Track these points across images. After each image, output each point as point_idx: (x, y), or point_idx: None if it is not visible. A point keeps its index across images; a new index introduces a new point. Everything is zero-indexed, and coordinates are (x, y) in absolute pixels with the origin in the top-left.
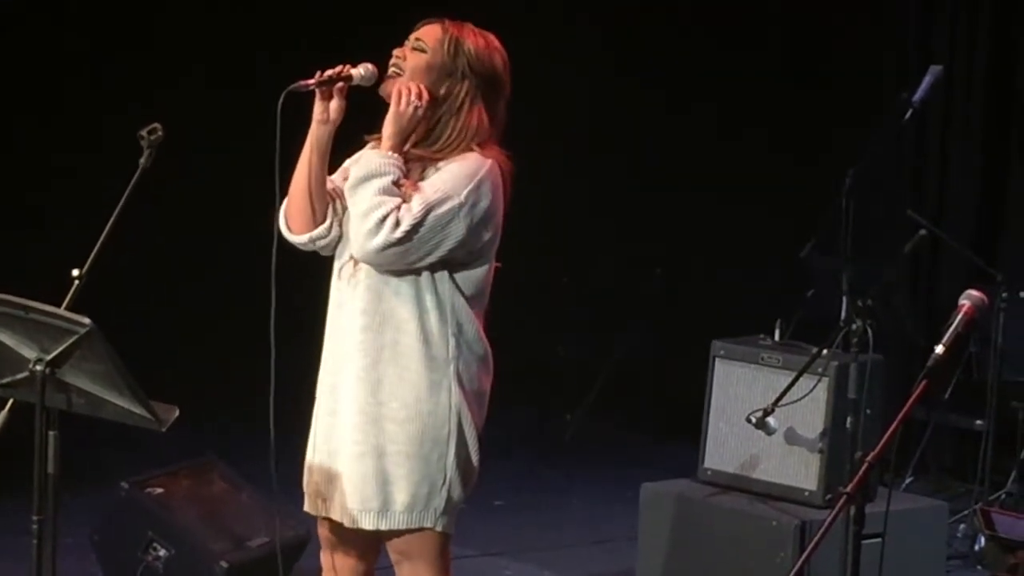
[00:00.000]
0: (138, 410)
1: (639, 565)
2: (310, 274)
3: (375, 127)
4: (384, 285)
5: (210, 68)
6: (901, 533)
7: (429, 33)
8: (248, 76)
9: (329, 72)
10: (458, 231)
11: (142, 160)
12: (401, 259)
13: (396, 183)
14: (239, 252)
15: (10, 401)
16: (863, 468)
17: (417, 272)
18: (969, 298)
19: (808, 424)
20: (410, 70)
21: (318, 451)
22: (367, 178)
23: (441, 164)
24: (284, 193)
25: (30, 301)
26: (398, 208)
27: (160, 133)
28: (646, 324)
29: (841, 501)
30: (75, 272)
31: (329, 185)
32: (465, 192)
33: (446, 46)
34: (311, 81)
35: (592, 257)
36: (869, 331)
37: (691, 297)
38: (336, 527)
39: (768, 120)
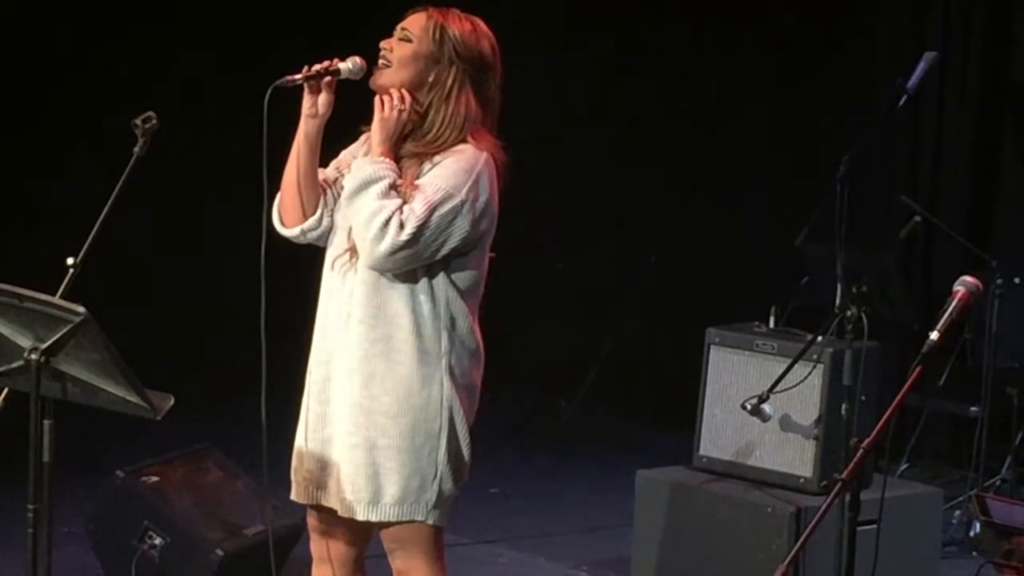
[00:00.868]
0: (133, 398)
1: (634, 552)
2: (302, 264)
3: (367, 118)
4: (378, 278)
5: (207, 62)
6: (896, 520)
7: (414, 22)
8: (247, 67)
9: (316, 67)
10: (462, 228)
11: (136, 148)
12: (411, 261)
13: (393, 186)
14: (235, 240)
15: (4, 390)
16: (858, 455)
17: (412, 267)
18: (964, 284)
19: (803, 411)
20: (397, 60)
21: (310, 440)
22: (363, 186)
23: (437, 159)
24: (272, 187)
25: (25, 290)
26: (400, 210)
27: (155, 121)
28: (641, 311)
29: (836, 488)
30: (70, 261)
31: (320, 176)
32: (465, 189)
33: (431, 33)
34: (298, 76)
35: (586, 244)
36: (864, 318)
37: (686, 284)
38: (327, 515)
39: (763, 108)
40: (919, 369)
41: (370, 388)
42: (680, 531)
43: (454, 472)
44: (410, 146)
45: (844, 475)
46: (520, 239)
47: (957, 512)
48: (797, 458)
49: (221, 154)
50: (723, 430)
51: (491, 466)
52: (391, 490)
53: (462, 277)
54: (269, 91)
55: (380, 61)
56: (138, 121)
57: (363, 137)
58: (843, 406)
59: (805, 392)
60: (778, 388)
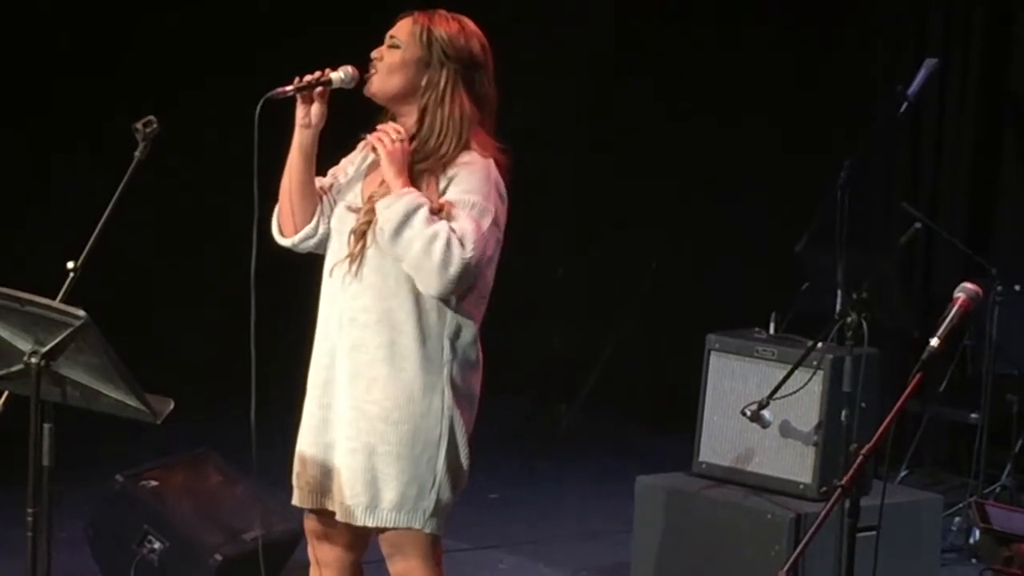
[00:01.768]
0: (133, 403)
1: (633, 558)
2: (303, 268)
3: (365, 126)
4: (383, 283)
5: (206, 67)
6: (896, 526)
7: (401, 28)
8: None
9: (308, 77)
10: (497, 236)
11: (137, 152)
12: (473, 278)
13: (432, 211)
14: (236, 245)
15: (4, 394)
16: (858, 461)
17: None
18: (964, 291)
19: (803, 417)
20: (387, 68)
21: (313, 445)
22: (405, 219)
23: (450, 173)
24: (272, 199)
25: (25, 293)
26: (451, 230)
27: (155, 126)
28: (641, 317)
29: (836, 494)
30: (70, 264)
31: (317, 184)
32: (492, 199)
33: (419, 37)
34: (289, 88)
35: (587, 250)
36: (864, 324)
37: (686, 290)
38: (325, 520)
39: (764, 114)
40: (919, 376)
41: (371, 393)
42: (679, 537)
43: (452, 481)
44: (419, 165)
45: (844, 481)
46: (520, 243)
47: (957, 519)
48: (797, 464)
49: (221, 156)
50: (723, 436)
51: (491, 471)
52: (389, 496)
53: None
54: (260, 103)
55: (372, 70)
56: (139, 125)
57: (361, 144)
58: (843, 412)
59: (805, 398)
60: (778, 394)
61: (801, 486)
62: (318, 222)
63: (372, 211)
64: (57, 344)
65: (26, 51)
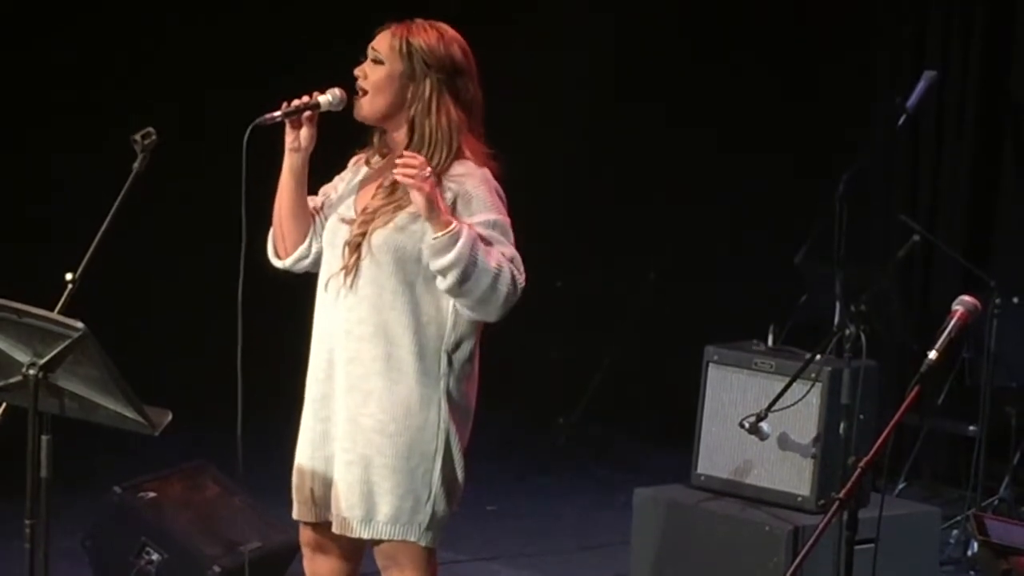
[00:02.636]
0: (131, 414)
1: (632, 571)
2: (296, 289)
3: (358, 143)
4: (379, 296)
5: (210, 78)
6: (894, 539)
7: (381, 43)
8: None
9: (296, 102)
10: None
11: (136, 164)
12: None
13: (479, 237)
14: (234, 257)
15: (2, 405)
16: (856, 473)
17: (413, 286)
18: (962, 304)
19: (801, 429)
20: (373, 86)
21: (311, 458)
22: (470, 253)
23: (451, 185)
24: (267, 220)
25: (23, 305)
26: (508, 258)
27: (154, 137)
28: (639, 329)
29: (834, 506)
30: (68, 276)
31: (309, 203)
32: (503, 212)
33: (399, 50)
34: (277, 113)
35: (585, 261)
36: (862, 336)
37: (684, 302)
38: (321, 532)
39: (762, 126)
40: (917, 388)
41: (368, 405)
42: (677, 549)
43: (447, 495)
44: None
45: (842, 494)
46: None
47: (955, 531)
48: (795, 477)
49: (222, 168)
50: (721, 448)
51: (488, 483)
52: (384, 508)
53: None
54: (248, 130)
55: (358, 91)
56: (137, 137)
57: (353, 161)
58: (841, 425)
59: (803, 410)
60: (776, 406)
61: (799, 498)
62: (311, 242)
63: (366, 223)
64: (55, 356)
65: (24, 64)
